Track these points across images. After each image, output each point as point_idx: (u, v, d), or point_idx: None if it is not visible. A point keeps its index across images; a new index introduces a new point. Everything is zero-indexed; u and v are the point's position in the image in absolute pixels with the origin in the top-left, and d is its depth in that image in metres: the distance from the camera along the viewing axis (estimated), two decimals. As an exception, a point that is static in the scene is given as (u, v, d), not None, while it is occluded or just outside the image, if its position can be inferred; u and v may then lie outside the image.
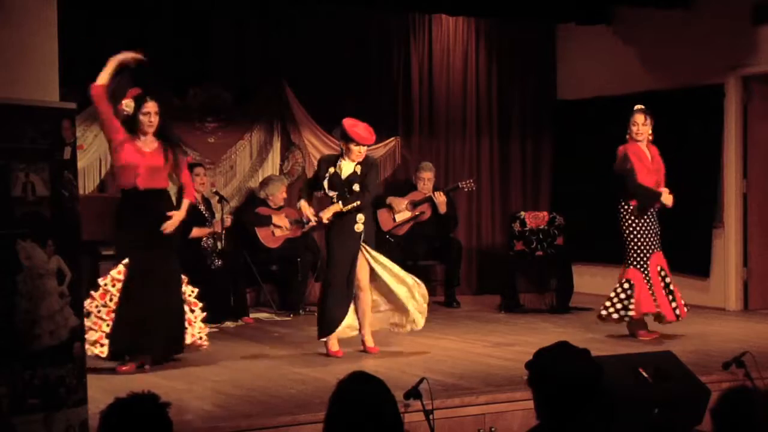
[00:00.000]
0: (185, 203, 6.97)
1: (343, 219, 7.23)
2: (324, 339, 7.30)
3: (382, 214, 10.12)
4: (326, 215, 7.22)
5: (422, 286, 7.43)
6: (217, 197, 9.38)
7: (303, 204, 7.38)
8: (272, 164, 10.19)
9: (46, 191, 4.67)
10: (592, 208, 10.43)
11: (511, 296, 9.74)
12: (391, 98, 10.78)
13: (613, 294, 7.85)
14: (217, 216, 9.31)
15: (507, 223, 10.23)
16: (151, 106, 6.77)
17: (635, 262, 7.83)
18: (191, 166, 9.20)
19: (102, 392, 5.34)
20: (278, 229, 9.59)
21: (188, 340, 6.93)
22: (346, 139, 7.21)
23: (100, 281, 6.77)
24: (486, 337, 8.17)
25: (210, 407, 5.67)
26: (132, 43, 9.30)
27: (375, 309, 7.44)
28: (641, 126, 7.85)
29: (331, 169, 7.26)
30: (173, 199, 7.20)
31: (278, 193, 9.69)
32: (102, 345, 6.60)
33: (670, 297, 7.86)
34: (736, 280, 9.78)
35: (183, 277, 7.00)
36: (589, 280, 10.75)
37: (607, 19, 10.65)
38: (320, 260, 9.78)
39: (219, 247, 9.22)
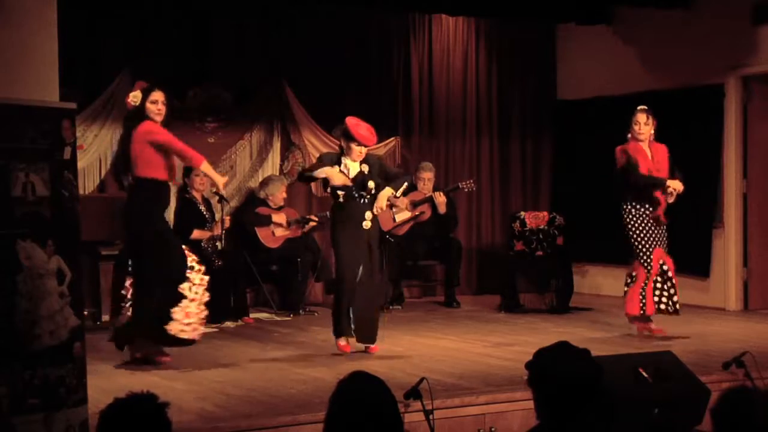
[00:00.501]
0: (209, 168, 7.06)
1: (353, 215, 7.20)
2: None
3: (383, 214, 10.11)
4: (381, 204, 7.20)
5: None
6: (217, 197, 9.37)
7: (327, 169, 7.17)
8: (272, 164, 10.19)
9: (46, 191, 4.67)
10: (592, 208, 10.44)
11: (511, 296, 9.74)
12: (391, 98, 10.78)
13: (641, 293, 7.92)
14: (217, 216, 9.32)
15: (507, 223, 10.23)
16: (158, 95, 6.80)
17: (639, 258, 7.89)
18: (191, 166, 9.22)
19: (102, 392, 5.34)
20: (278, 229, 9.59)
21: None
22: (348, 138, 7.20)
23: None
24: (486, 337, 8.17)
25: (210, 407, 5.67)
26: (132, 44, 9.41)
27: None
28: (643, 126, 7.86)
29: (336, 168, 7.22)
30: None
31: (278, 193, 9.69)
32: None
33: (659, 292, 7.88)
34: (736, 280, 9.79)
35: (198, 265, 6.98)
36: (589, 280, 10.76)
37: (607, 19, 10.65)
38: (320, 260, 9.79)
39: (219, 247, 9.22)
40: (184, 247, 6.91)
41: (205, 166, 6.96)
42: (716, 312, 9.57)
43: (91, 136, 9.21)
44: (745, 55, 9.58)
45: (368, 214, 7.24)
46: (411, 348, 7.55)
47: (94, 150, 9.24)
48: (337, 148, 10.35)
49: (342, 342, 7.29)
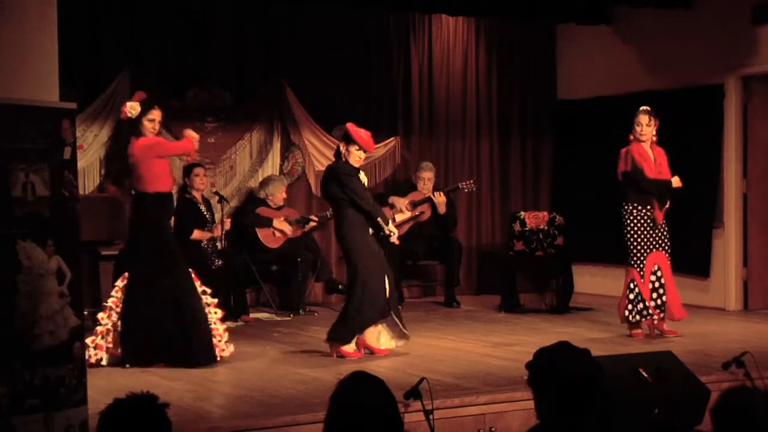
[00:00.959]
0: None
1: (364, 222, 7.23)
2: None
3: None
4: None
5: None
6: (217, 197, 9.38)
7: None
8: (272, 164, 10.18)
9: (46, 191, 4.67)
10: (592, 208, 10.44)
11: (511, 296, 9.74)
12: (391, 98, 10.78)
13: (627, 294, 7.93)
14: (217, 216, 9.32)
15: (507, 223, 10.23)
16: (156, 114, 6.96)
17: (633, 262, 7.89)
18: (191, 166, 9.23)
19: (102, 392, 5.35)
20: (280, 231, 9.60)
21: None
22: (350, 141, 7.19)
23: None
24: (486, 337, 8.17)
25: (210, 407, 5.68)
26: (132, 44, 9.41)
27: None
28: (645, 127, 7.87)
29: (363, 178, 7.28)
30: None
31: (278, 193, 9.69)
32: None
33: (655, 297, 7.89)
34: (736, 280, 9.78)
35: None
36: (589, 280, 10.75)
37: (607, 19, 10.65)
38: (320, 260, 9.79)
39: (219, 247, 9.22)
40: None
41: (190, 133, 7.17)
42: (716, 312, 9.57)
43: (91, 136, 9.21)
44: (745, 55, 9.58)
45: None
46: (411, 348, 7.55)
47: (94, 150, 9.24)
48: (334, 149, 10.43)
49: (351, 347, 7.24)
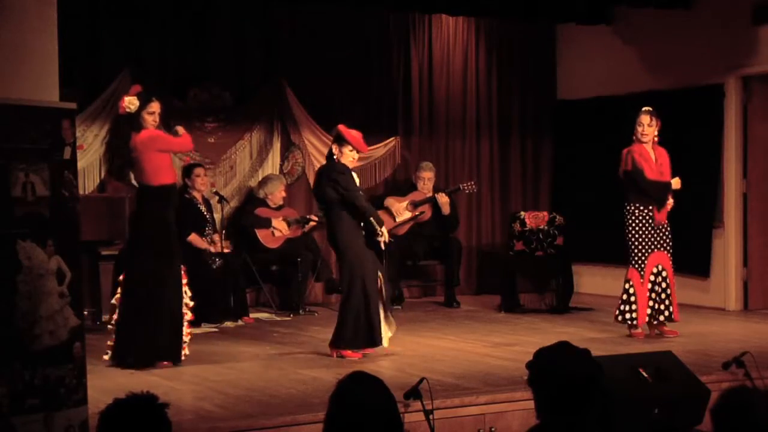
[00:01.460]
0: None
1: (359, 226, 7.22)
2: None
3: (382, 215, 10.12)
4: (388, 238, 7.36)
5: None
6: (217, 197, 9.38)
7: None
8: (272, 164, 10.18)
9: (46, 191, 4.67)
10: (592, 208, 10.44)
11: (511, 296, 9.74)
12: (391, 98, 10.78)
13: (621, 295, 7.94)
14: (217, 217, 9.32)
15: (507, 223, 10.22)
16: (156, 107, 6.94)
17: (633, 262, 7.91)
18: (191, 167, 9.22)
19: (102, 392, 5.34)
20: (278, 230, 9.60)
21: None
22: (342, 142, 7.19)
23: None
24: (486, 337, 8.17)
25: (210, 407, 5.67)
26: (132, 44, 9.41)
27: None
28: (647, 127, 7.89)
29: (356, 178, 7.26)
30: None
31: (277, 192, 9.69)
32: None
33: (654, 298, 7.89)
34: (736, 280, 9.78)
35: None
36: (589, 280, 10.75)
37: (607, 19, 10.65)
38: (320, 260, 9.79)
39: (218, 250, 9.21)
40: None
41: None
42: (716, 312, 9.57)
43: (91, 136, 9.21)
44: (745, 55, 9.58)
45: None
46: (411, 348, 7.55)
47: (94, 150, 9.24)
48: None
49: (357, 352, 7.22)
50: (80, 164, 8.42)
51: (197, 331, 7.84)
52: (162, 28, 9.57)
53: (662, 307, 7.93)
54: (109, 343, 6.90)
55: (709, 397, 5.36)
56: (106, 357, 6.86)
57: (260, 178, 9.98)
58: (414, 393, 5.26)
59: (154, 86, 9.21)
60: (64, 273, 4.74)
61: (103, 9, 9.29)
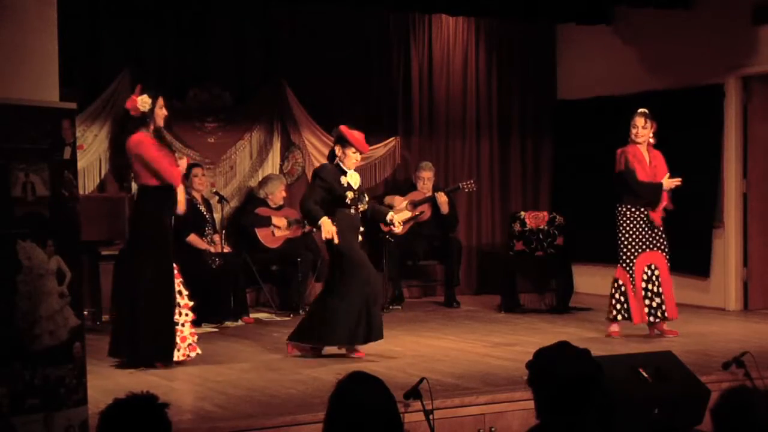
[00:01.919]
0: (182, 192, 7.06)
1: (356, 225, 7.19)
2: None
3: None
4: (402, 226, 7.37)
5: None
6: (216, 197, 9.38)
7: (326, 221, 7.03)
8: (272, 164, 10.18)
9: (46, 191, 4.67)
10: (592, 208, 10.43)
11: (511, 296, 9.74)
12: (391, 98, 10.78)
13: (611, 294, 7.95)
14: (217, 217, 9.32)
15: (507, 223, 10.23)
16: (162, 101, 6.92)
17: (622, 262, 7.96)
18: (190, 167, 9.21)
19: (102, 392, 5.35)
20: (278, 229, 9.60)
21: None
22: (345, 143, 7.16)
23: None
24: (486, 337, 8.17)
25: (210, 407, 5.67)
26: (132, 44, 9.41)
27: None
28: (641, 129, 7.91)
29: (343, 179, 7.15)
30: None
31: (277, 192, 9.69)
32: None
33: (647, 298, 7.88)
34: (736, 280, 9.78)
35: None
36: (589, 280, 10.75)
37: (607, 19, 10.65)
38: (320, 260, 9.78)
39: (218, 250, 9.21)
40: (175, 266, 6.90)
41: (180, 190, 6.98)
42: (716, 312, 9.57)
43: (91, 136, 9.21)
44: (745, 55, 9.58)
45: (361, 228, 7.28)
46: (411, 348, 7.55)
47: (94, 150, 9.25)
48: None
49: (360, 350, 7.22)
50: (80, 164, 8.43)
51: (197, 331, 7.83)
52: (162, 28, 9.57)
53: (654, 304, 7.93)
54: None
55: (709, 397, 5.36)
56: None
57: (260, 178, 9.99)
58: (414, 393, 5.26)
59: (153, 86, 9.24)
60: (64, 273, 4.74)
61: (103, 9, 9.29)
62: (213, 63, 9.93)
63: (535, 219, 9.83)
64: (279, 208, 9.73)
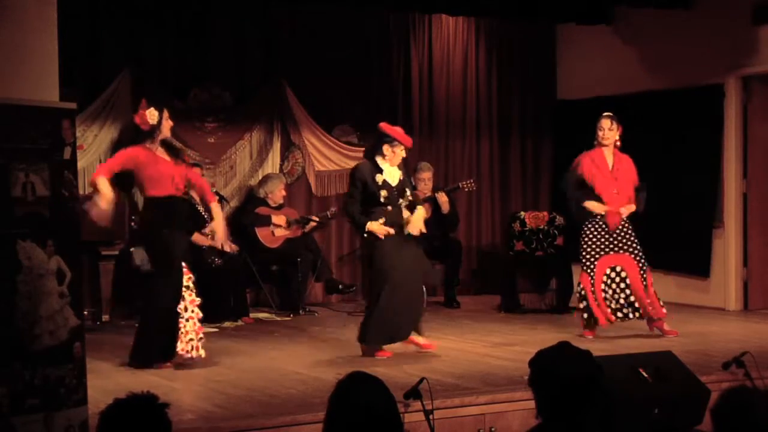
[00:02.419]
0: (217, 209, 7.29)
1: (397, 221, 7.19)
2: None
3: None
4: (422, 227, 7.29)
5: None
6: (216, 197, 9.37)
7: (374, 225, 7.08)
8: (272, 164, 10.18)
9: (46, 191, 4.67)
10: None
11: (511, 296, 9.74)
12: (391, 98, 10.78)
13: (578, 303, 8.00)
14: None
15: (507, 223, 10.23)
16: (167, 113, 6.99)
17: (584, 267, 7.93)
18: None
19: (102, 392, 5.34)
20: (278, 229, 9.59)
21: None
22: (389, 141, 7.17)
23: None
24: (486, 337, 8.17)
25: (210, 407, 5.67)
26: (132, 44, 9.41)
27: None
28: (607, 131, 7.96)
29: (378, 177, 7.16)
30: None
31: (277, 191, 9.69)
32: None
33: (608, 299, 7.86)
34: (736, 280, 9.78)
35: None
36: (589, 280, 10.73)
37: (607, 19, 10.65)
38: (320, 260, 9.79)
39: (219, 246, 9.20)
40: (184, 264, 6.93)
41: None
42: (716, 312, 9.57)
43: (91, 136, 9.21)
44: (745, 55, 9.58)
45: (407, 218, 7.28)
46: (411, 348, 7.55)
47: (94, 150, 9.25)
48: (338, 147, 10.40)
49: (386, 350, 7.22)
50: (80, 164, 8.42)
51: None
52: (162, 28, 9.57)
53: (621, 301, 7.88)
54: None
55: (709, 397, 5.36)
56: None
57: (260, 178, 9.99)
58: (414, 393, 5.26)
59: (154, 86, 9.26)
60: (64, 273, 4.74)
61: (103, 9, 9.29)
62: (213, 63, 9.93)
63: (535, 219, 9.82)
64: (279, 207, 9.73)
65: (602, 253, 7.91)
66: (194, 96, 9.79)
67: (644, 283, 7.89)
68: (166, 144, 6.95)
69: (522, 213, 9.96)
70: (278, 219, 9.60)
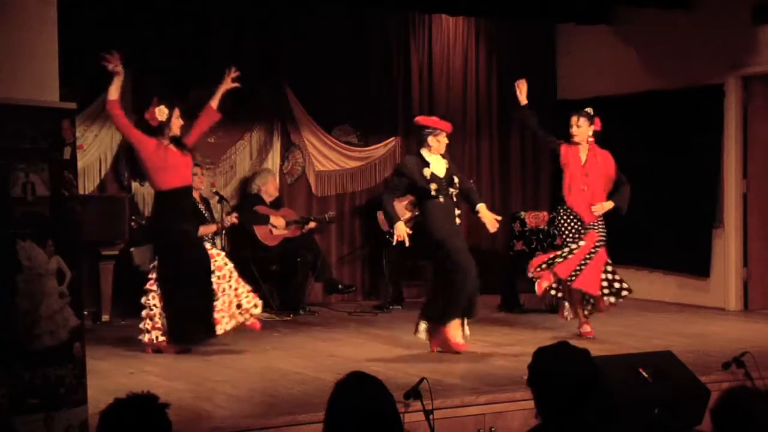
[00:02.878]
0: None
1: (450, 213, 7.30)
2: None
3: (382, 215, 10.12)
4: (495, 223, 7.50)
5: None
6: (216, 197, 9.37)
7: (400, 226, 7.29)
8: (272, 164, 10.18)
9: (46, 191, 4.67)
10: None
11: (511, 296, 9.73)
12: (391, 98, 10.77)
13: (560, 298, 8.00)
14: (216, 216, 9.31)
15: (507, 223, 10.22)
16: (178, 111, 7.42)
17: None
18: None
19: (102, 392, 5.34)
20: (276, 228, 9.59)
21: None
22: (432, 132, 7.29)
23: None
24: (486, 337, 8.16)
25: (210, 407, 5.68)
26: (132, 44, 9.40)
27: None
28: (575, 127, 8.04)
29: (426, 171, 7.25)
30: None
31: (270, 184, 9.69)
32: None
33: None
34: (736, 280, 9.78)
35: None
36: (589, 280, 10.73)
37: (607, 19, 10.65)
38: (320, 260, 9.78)
39: (219, 246, 9.20)
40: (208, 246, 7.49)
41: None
42: (716, 312, 9.57)
43: (91, 136, 9.21)
44: (745, 55, 9.58)
45: (457, 210, 7.39)
46: (411, 348, 7.55)
47: (94, 150, 9.25)
48: (338, 147, 10.41)
49: (456, 339, 7.28)
50: (80, 164, 8.43)
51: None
52: (162, 29, 9.56)
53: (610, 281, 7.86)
54: (147, 325, 7.26)
55: (709, 397, 5.36)
56: (144, 339, 7.29)
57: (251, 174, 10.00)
58: (414, 393, 5.26)
59: (153, 86, 9.25)
60: (64, 273, 4.74)
61: (103, 9, 9.28)
62: (213, 63, 9.91)
63: (535, 219, 9.82)
64: (276, 203, 9.71)
65: (573, 244, 7.89)
66: (194, 96, 9.77)
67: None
68: (176, 141, 7.30)
69: (522, 213, 9.96)
70: (276, 220, 9.59)
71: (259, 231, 9.54)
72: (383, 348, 7.49)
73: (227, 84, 7.57)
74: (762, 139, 9.80)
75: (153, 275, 7.37)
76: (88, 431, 4.77)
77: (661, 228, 9.99)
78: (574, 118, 8.04)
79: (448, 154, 7.57)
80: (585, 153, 8.01)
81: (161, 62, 9.55)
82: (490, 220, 7.49)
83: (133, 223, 8.91)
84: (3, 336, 4.50)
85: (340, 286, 10.00)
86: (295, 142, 10.29)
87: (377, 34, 10.69)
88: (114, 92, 7.25)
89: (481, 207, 7.52)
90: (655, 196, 10.02)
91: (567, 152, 8.02)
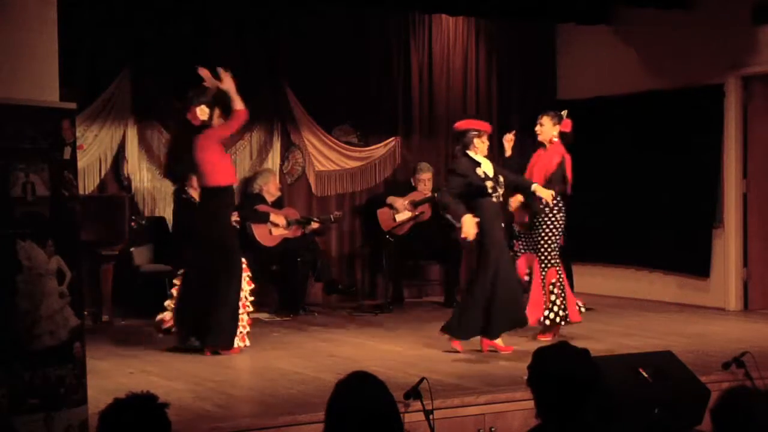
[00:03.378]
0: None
1: (498, 214, 7.39)
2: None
3: (383, 214, 10.13)
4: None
5: None
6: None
7: (468, 219, 7.20)
8: (272, 164, 10.18)
9: (46, 191, 4.67)
10: (592, 207, 10.43)
11: (511, 296, 9.71)
12: (391, 98, 10.77)
13: (550, 298, 7.80)
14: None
15: (507, 224, 10.20)
16: (219, 111, 7.72)
17: (554, 262, 7.92)
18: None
19: (102, 392, 5.34)
20: (276, 228, 9.58)
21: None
22: (475, 134, 7.39)
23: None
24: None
25: (210, 407, 5.68)
26: (132, 44, 9.41)
27: None
28: (538, 126, 8.10)
29: (479, 171, 7.34)
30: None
31: (271, 184, 9.69)
32: None
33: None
34: (736, 280, 9.78)
35: None
36: (589, 280, 10.74)
37: (607, 19, 10.65)
38: (320, 260, 9.78)
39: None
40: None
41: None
42: (716, 312, 9.57)
43: (91, 136, 9.21)
44: (745, 55, 9.58)
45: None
46: (411, 348, 7.55)
47: (94, 150, 9.24)
48: (338, 147, 10.41)
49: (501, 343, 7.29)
50: (80, 164, 8.42)
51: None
52: (162, 29, 9.56)
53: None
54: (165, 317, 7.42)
55: (709, 397, 5.36)
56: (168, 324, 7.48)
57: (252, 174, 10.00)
58: (414, 393, 5.26)
59: (153, 86, 9.26)
60: (64, 273, 4.74)
61: (103, 9, 9.28)
62: (213, 63, 9.89)
63: (535, 219, 9.79)
64: (278, 203, 9.71)
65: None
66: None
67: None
68: None
69: (522, 213, 9.94)
70: (277, 218, 9.58)
71: (257, 231, 9.52)
72: (383, 348, 7.49)
73: (228, 82, 7.53)
74: (762, 139, 9.80)
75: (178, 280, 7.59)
76: (88, 431, 4.77)
77: (661, 228, 9.99)
78: (539, 118, 8.01)
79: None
80: (543, 153, 7.99)
81: (161, 62, 9.54)
82: (546, 194, 7.58)
83: (133, 223, 8.91)
84: (3, 336, 4.50)
85: (340, 286, 10.00)
86: (295, 142, 10.29)
87: (377, 34, 10.69)
88: (238, 102, 7.62)
89: (536, 187, 7.64)
90: (655, 196, 10.04)
91: (534, 156, 7.99)
